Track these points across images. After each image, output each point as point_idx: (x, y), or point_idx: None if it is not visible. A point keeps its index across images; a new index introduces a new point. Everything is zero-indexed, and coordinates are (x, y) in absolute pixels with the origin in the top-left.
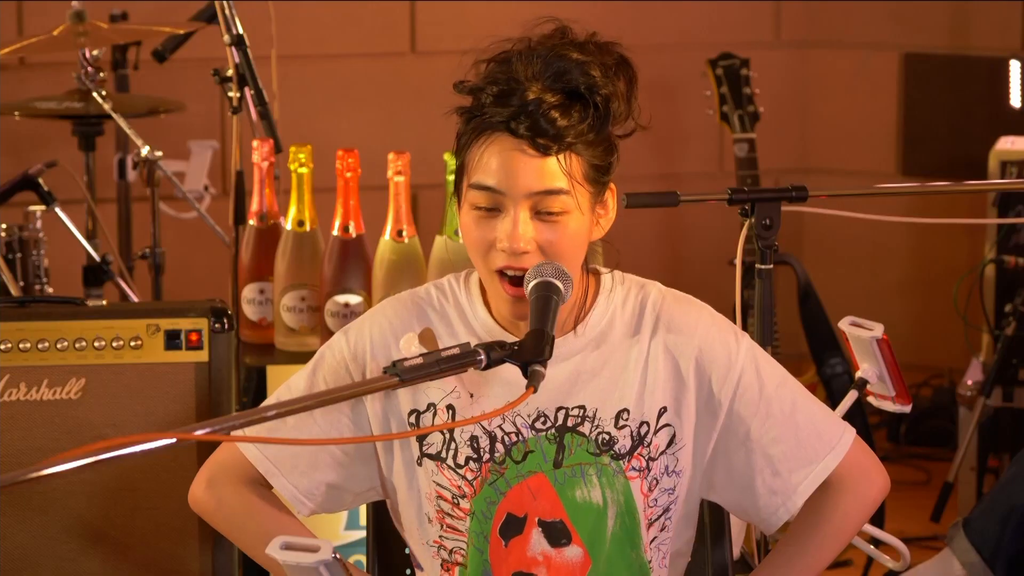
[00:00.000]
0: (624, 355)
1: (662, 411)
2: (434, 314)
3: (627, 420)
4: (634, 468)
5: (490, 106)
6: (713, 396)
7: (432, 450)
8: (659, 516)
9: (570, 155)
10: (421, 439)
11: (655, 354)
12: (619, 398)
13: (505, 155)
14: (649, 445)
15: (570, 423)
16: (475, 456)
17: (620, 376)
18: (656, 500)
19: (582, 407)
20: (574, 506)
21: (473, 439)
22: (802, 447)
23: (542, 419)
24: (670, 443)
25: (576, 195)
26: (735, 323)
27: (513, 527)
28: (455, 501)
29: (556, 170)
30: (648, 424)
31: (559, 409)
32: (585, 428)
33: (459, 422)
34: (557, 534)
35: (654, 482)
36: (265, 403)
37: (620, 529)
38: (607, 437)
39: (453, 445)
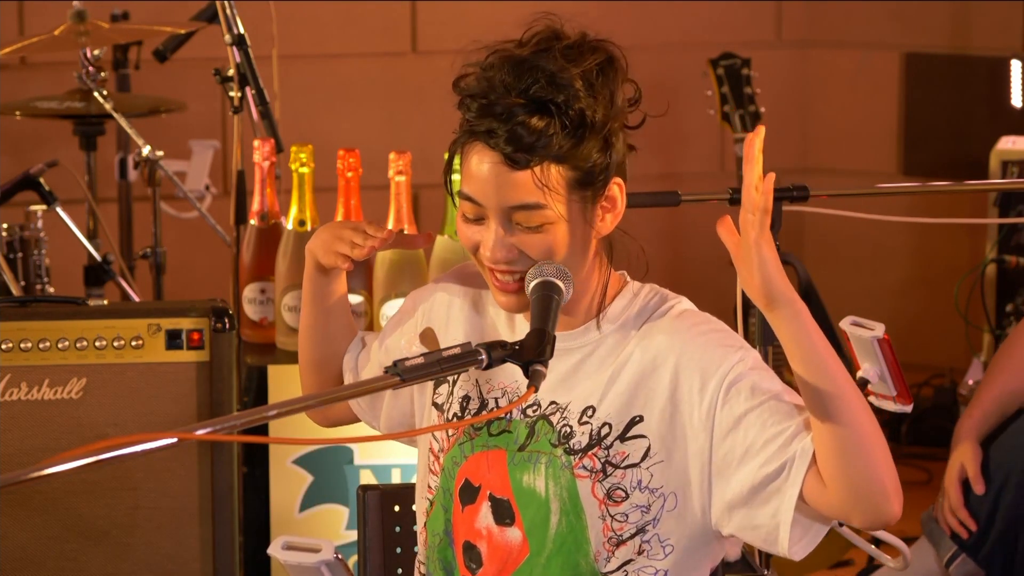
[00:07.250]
0: (615, 353)
1: (636, 420)
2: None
3: (590, 418)
4: (584, 467)
5: (473, 116)
6: (705, 414)
7: (439, 399)
8: (632, 535)
9: (548, 167)
10: (435, 387)
11: (639, 358)
12: (590, 394)
13: (484, 167)
14: (608, 448)
15: (548, 412)
16: (460, 415)
17: (602, 373)
18: (627, 515)
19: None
20: (520, 489)
21: (466, 399)
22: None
23: (534, 406)
24: (644, 456)
25: (555, 206)
26: (736, 323)
27: (469, 494)
28: (437, 454)
29: (530, 184)
30: (610, 426)
31: (551, 403)
32: (555, 418)
33: (466, 420)
34: (503, 512)
35: (618, 491)
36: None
37: (567, 529)
38: (568, 430)
39: (451, 399)
